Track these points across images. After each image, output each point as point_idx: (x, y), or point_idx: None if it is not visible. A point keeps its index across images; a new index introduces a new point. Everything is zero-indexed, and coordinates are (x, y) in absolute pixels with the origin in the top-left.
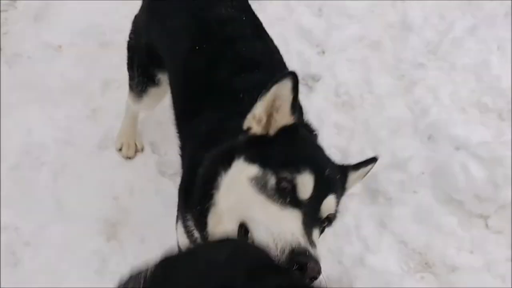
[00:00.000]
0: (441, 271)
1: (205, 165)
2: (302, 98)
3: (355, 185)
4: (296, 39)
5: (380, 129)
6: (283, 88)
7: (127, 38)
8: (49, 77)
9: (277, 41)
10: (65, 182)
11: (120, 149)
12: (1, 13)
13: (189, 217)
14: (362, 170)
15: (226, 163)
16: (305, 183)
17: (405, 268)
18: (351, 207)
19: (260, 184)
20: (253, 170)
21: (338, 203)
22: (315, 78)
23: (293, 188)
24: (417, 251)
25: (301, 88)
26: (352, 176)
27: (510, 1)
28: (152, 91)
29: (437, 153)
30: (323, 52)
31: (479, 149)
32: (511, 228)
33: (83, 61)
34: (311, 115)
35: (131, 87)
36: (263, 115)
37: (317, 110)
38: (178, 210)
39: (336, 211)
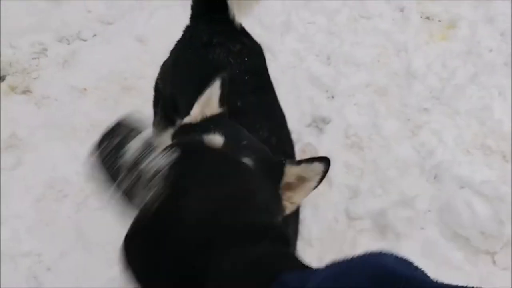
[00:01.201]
0: None
1: None
2: (313, 139)
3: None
4: (307, 85)
5: (388, 169)
6: (213, 88)
7: (154, 80)
8: (74, 117)
9: (289, 87)
10: (86, 213)
11: None
12: (33, 60)
13: None
14: (307, 169)
15: None
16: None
17: None
18: (362, 242)
19: None
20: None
21: None
22: (325, 121)
23: None
24: None
25: (312, 130)
26: (291, 170)
27: (510, 51)
28: (170, 131)
29: (442, 192)
30: (333, 97)
31: (482, 187)
32: None
33: (107, 103)
34: (322, 155)
35: (153, 123)
36: (197, 111)
37: (327, 150)
38: None
39: None
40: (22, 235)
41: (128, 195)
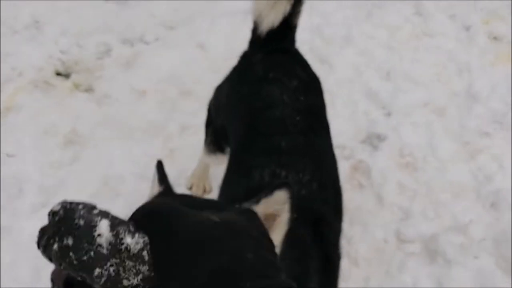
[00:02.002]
0: None
1: None
2: (366, 156)
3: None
4: (363, 100)
5: (442, 192)
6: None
7: (211, 86)
8: (132, 118)
9: (345, 101)
10: None
11: (190, 188)
12: (98, 60)
13: None
14: (269, 203)
15: None
16: None
17: None
18: (410, 266)
19: None
20: None
21: None
22: (380, 138)
23: None
24: None
25: (366, 146)
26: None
27: None
28: (219, 156)
29: (500, 220)
30: (389, 114)
31: None
32: None
33: (164, 106)
34: (375, 173)
35: (205, 141)
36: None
37: (380, 168)
38: None
39: None
40: None
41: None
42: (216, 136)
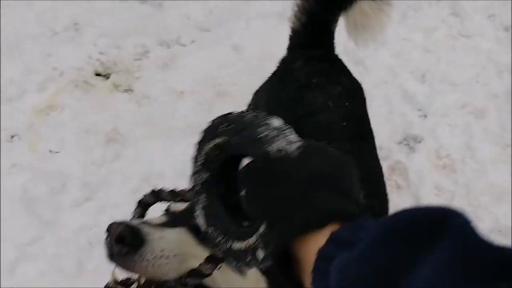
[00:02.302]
0: None
1: None
2: (403, 157)
3: None
4: (399, 102)
5: (482, 194)
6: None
7: (246, 87)
8: (171, 117)
9: (381, 102)
10: None
11: None
12: (136, 61)
13: None
14: None
15: None
16: None
17: None
18: None
19: None
20: None
21: None
22: (417, 140)
23: None
24: None
25: (402, 147)
26: None
27: None
28: None
29: None
30: (425, 116)
31: None
32: None
33: (202, 107)
34: (412, 174)
35: None
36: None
37: (417, 170)
38: None
39: None
40: None
41: None
42: None
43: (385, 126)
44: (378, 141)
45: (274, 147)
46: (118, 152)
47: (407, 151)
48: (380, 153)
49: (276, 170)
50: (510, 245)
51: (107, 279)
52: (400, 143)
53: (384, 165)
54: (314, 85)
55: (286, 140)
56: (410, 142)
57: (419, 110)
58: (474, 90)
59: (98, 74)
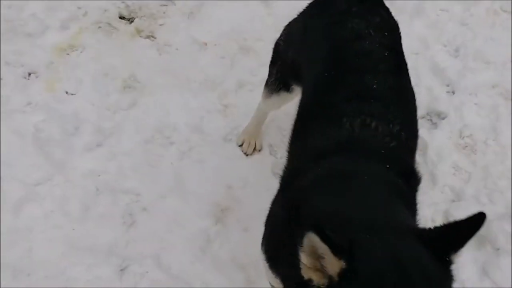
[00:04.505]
0: None
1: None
2: (424, 133)
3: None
4: (427, 75)
5: (500, 178)
6: (313, 242)
7: (273, 44)
8: (191, 69)
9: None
10: (188, 163)
11: (241, 145)
12: (161, 7)
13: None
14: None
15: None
16: None
17: None
18: None
19: None
20: None
21: None
22: (441, 116)
23: None
24: None
25: (425, 122)
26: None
27: None
28: (283, 95)
29: None
30: (453, 92)
31: None
32: None
33: (223, 61)
34: (431, 151)
35: (267, 82)
36: (313, 262)
37: (437, 147)
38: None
39: None
40: (127, 171)
41: None
42: (284, 73)
43: None
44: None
45: None
46: (135, 100)
47: (429, 126)
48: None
49: None
50: None
51: (111, 226)
52: (423, 117)
53: None
54: (355, 13)
55: None
56: (433, 117)
57: (448, 85)
58: (508, 70)
59: (122, 17)
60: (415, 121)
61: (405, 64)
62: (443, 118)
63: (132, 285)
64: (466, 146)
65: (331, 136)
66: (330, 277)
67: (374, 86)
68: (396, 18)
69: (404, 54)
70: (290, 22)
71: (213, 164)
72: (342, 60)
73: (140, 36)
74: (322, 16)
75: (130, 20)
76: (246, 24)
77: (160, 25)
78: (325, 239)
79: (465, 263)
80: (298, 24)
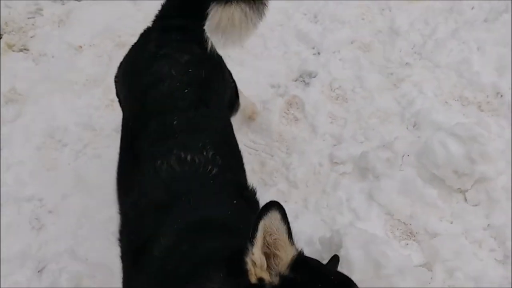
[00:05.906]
0: (424, 238)
1: None
2: (300, 92)
3: None
4: (294, 42)
5: (370, 118)
6: (272, 221)
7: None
8: (71, 73)
9: (277, 43)
10: (85, 160)
11: None
12: (29, 20)
13: None
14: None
15: None
16: None
17: (391, 235)
18: (343, 183)
19: None
20: None
21: None
22: (312, 75)
23: None
24: (402, 221)
25: (299, 84)
26: None
27: (491, 8)
28: None
29: (421, 138)
30: (319, 53)
31: (457, 129)
32: (487, 200)
33: (101, 59)
34: (308, 106)
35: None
36: (262, 259)
37: (313, 102)
38: None
39: None
40: (26, 179)
41: None
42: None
43: (282, 65)
44: (276, 80)
45: None
46: (19, 111)
47: (303, 86)
48: (278, 91)
49: None
50: (390, 157)
51: (20, 234)
52: (296, 80)
53: (283, 101)
54: (161, 56)
55: None
56: (306, 78)
57: (313, 48)
58: (361, 27)
59: None
60: (230, 138)
61: (213, 92)
62: (314, 77)
63: (52, 282)
64: (338, 97)
65: (158, 187)
66: (280, 275)
67: (175, 123)
68: None
69: (216, 82)
70: (120, 63)
71: (110, 157)
72: (144, 106)
73: (13, 51)
74: (136, 60)
75: None
76: (117, 22)
77: (31, 36)
78: (285, 216)
79: (354, 193)
80: (122, 66)
